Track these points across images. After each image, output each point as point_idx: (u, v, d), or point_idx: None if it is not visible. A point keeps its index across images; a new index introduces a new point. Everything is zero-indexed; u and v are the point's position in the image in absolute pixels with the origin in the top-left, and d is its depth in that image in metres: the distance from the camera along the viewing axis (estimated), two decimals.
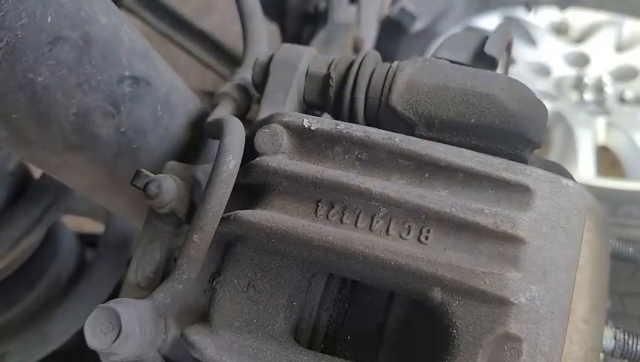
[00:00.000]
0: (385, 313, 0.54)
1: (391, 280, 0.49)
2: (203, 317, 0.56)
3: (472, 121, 0.56)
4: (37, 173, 0.98)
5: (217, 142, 0.57)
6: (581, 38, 2.11)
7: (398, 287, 0.50)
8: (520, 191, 0.50)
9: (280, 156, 0.56)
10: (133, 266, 0.62)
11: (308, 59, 0.68)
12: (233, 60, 1.80)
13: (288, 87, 0.66)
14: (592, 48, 2.06)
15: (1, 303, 1.05)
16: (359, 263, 0.49)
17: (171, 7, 1.81)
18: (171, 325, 0.56)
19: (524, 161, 0.55)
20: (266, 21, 1.29)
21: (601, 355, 0.56)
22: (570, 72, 2.05)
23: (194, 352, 0.53)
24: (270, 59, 0.68)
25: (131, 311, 0.51)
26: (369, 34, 1.75)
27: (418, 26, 1.95)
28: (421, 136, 0.57)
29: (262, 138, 0.56)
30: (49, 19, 0.49)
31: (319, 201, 0.53)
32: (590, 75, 2.02)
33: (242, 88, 0.74)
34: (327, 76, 0.66)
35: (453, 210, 0.49)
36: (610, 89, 1.98)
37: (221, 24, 2.45)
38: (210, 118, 0.68)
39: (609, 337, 0.57)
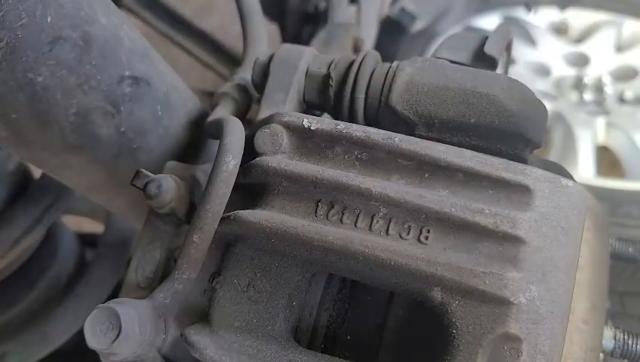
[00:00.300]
0: (385, 313, 0.54)
1: (391, 280, 0.49)
2: (203, 317, 0.56)
3: (472, 121, 0.56)
4: (37, 173, 0.98)
5: (217, 142, 0.57)
6: (581, 38, 2.11)
7: (398, 287, 0.50)
8: (520, 191, 0.50)
9: (280, 156, 0.56)
10: (133, 266, 0.62)
11: (308, 59, 0.68)
12: (233, 60, 1.80)
13: (288, 87, 0.66)
14: (592, 48, 2.06)
15: (1, 303, 1.05)
16: (359, 263, 0.49)
17: (171, 7, 1.81)
18: (171, 325, 0.56)
19: (523, 161, 0.55)
20: (266, 21, 1.29)
21: (601, 355, 0.56)
22: (570, 72, 2.05)
23: (194, 352, 0.53)
24: (270, 59, 0.68)
25: (131, 311, 0.51)
26: (369, 34, 1.75)
27: (418, 26, 1.95)
28: (421, 136, 0.57)
29: (262, 138, 0.56)
30: (49, 19, 0.49)
31: (319, 201, 0.53)
32: (590, 75, 2.02)
33: (242, 88, 0.74)
34: (327, 76, 0.66)
35: (453, 210, 0.49)
36: (609, 89, 1.98)
37: (221, 24, 2.45)
38: (210, 118, 0.68)
39: (609, 337, 0.57)
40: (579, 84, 2.01)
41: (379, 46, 1.84)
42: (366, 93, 0.63)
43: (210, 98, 0.73)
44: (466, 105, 0.56)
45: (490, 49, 0.65)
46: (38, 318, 1.06)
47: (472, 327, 0.46)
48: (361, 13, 1.61)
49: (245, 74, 0.76)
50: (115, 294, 1.08)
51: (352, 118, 0.64)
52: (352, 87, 0.63)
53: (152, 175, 0.59)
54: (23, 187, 0.98)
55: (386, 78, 0.62)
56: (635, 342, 0.58)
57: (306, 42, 1.56)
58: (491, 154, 0.53)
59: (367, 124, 0.62)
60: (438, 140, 0.55)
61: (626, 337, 0.58)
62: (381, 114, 0.61)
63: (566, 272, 0.48)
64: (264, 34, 0.86)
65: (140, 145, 0.67)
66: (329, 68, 0.66)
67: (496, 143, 0.56)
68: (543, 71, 2.08)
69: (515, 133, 0.55)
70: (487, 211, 0.49)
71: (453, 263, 0.47)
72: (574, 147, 1.84)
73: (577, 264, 0.50)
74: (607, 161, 1.97)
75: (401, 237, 0.50)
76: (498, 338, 0.46)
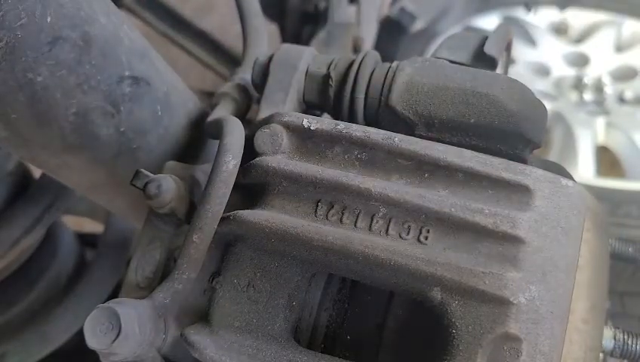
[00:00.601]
0: (384, 313, 0.54)
1: (390, 280, 0.49)
2: (203, 317, 0.56)
3: (472, 121, 0.56)
4: (37, 173, 0.98)
5: (217, 142, 0.57)
6: (581, 38, 2.11)
7: (398, 287, 0.50)
8: (520, 191, 0.50)
9: (280, 156, 0.56)
10: (133, 266, 0.62)
11: (308, 59, 0.68)
12: (233, 60, 1.80)
13: (288, 87, 0.66)
14: (592, 48, 2.06)
15: (1, 303, 1.05)
16: (359, 263, 0.49)
17: (171, 7, 1.82)
18: (171, 325, 0.56)
19: (523, 161, 0.55)
20: (266, 21, 1.29)
21: (601, 355, 0.56)
22: (570, 72, 2.05)
23: (194, 352, 0.53)
24: (270, 59, 0.68)
25: (131, 311, 0.51)
26: (369, 34, 1.75)
27: (418, 25, 1.95)
28: (421, 136, 0.57)
29: (262, 138, 0.56)
30: (48, 19, 0.49)
31: (319, 201, 0.53)
32: (590, 75, 2.02)
33: (242, 88, 0.74)
34: (327, 76, 0.66)
35: (452, 210, 0.49)
36: (609, 89, 1.98)
37: (221, 24, 2.45)
38: (209, 118, 0.68)
39: (608, 337, 0.57)
40: (579, 84, 2.01)
41: (379, 46, 1.84)
42: (366, 93, 0.63)
43: (210, 98, 0.73)
44: (466, 105, 0.56)
45: (490, 49, 0.65)
46: (37, 318, 1.06)
47: (472, 327, 0.46)
48: (361, 13, 1.61)
49: (245, 74, 0.76)
50: (115, 294, 1.08)
51: (351, 118, 0.64)
52: (352, 87, 0.63)
53: (152, 175, 0.59)
54: (23, 187, 0.98)
55: (385, 78, 0.62)
56: (634, 342, 0.58)
57: (306, 42, 1.56)
58: (491, 154, 0.53)
59: (367, 124, 0.62)
60: (438, 140, 0.55)
61: (625, 337, 0.58)
62: (381, 114, 0.61)
63: (566, 272, 0.48)
64: (264, 34, 0.86)
65: (139, 145, 0.67)
66: (329, 68, 0.66)
67: (496, 143, 0.56)
68: (543, 71, 2.08)
69: (514, 133, 0.55)
70: (486, 211, 0.49)
71: (452, 263, 0.47)
72: (574, 147, 1.84)
73: (577, 264, 0.50)
74: (607, 161, 1.97)
75: (400, 237, 0.50)
76: (498, 338, 0.46)
